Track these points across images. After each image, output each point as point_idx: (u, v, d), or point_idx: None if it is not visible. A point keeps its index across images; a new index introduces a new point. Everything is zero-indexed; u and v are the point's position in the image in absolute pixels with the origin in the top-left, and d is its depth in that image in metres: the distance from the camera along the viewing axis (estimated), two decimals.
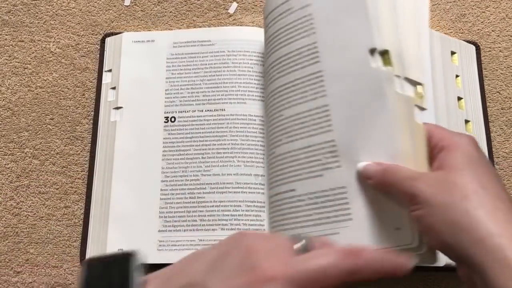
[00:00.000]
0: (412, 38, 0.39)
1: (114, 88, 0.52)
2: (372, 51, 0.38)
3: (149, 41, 0.52)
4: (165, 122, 0.50)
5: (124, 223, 0.47)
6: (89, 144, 0.52)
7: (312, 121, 0.41)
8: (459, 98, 0.49)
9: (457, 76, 0.50)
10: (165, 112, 0.50)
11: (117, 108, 0.51)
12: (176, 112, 0.50)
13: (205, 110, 0.49)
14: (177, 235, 0.47)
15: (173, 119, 0.50)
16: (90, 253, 0.48)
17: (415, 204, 0.32)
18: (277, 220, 0.43)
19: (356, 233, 0.38)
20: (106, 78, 0.53)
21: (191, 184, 0.48)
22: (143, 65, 0.52)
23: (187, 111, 0.50)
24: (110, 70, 0.53)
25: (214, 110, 0.49)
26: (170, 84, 0.51)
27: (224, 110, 0.49)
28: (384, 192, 0.36)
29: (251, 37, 0.51)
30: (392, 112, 0.37)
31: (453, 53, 0.51)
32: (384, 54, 0.38)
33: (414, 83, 0.38)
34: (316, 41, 0.41)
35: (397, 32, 0.39)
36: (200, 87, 0.50)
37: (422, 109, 0.37)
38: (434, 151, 0.35)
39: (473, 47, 0.52)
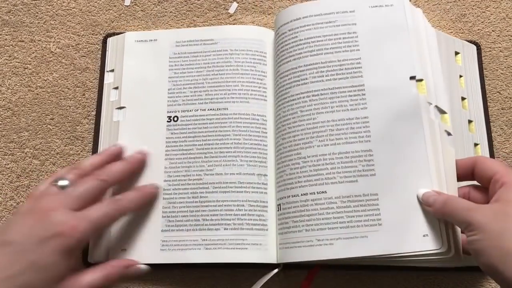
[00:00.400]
0: (439, 71, 0.45)
1: (116, 88, 0.51)
2: (412, 78, 0.44)
3: (151, 40, 0.52)
4: (168, 121, 0.49)
5: (127, 223, 0.47)
6: (90, 144, 0.52)
7: (351, 129, 0.44)
8: (463, 98, 0.50)
9: (460, 76, 0.50)
10: (168, 112, 0.50)
11: (120, 108, 0.50)
12: (179, 111, 0.50)
13: (208, 109, 0.49)
14: (180, 235, 0.46)
15: (176, 119, 0.49)
16: (93, 253, 0.47)
17: (470, 231, 0.36)
18: (300, 220, 0.44)
19: (385, 238, 0.41)
20: (108, 78, 0.52)
21: (194, 183, 0.47)
22: (146, 64, 0.51)
23: (190, 110, 0.49)
24: (112, 70, 0.52)
25: (217, 109, 0.49)
26: (173, 83, 0.50)
27: (227, 109, 0.49)
28: (442, 218, 0.40)
29: (254, 36, 0.51)
30: (426, 134, 0.42)
31: (456, 53, 0.51)
32: (420, 82, 0.44)
33: (442, 111, 0.44)
34: (360, 58, 0.45)
35: (430, 65, 0.45)
36: (202, 86, 0.50)
37: (449, 134, 0.44)
38: (496, 186, 0.38)
39: (474, 47, 0.53)
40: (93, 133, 0.52)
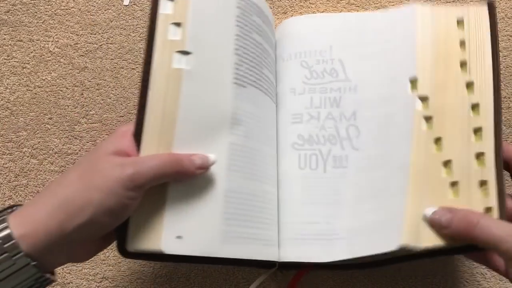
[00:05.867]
0: (429, 62, 0.43)
1: (178, 24, 0.38)
2: (412, 81, 0.42)
3: None
4: (235, 87, 0.41)
5: (184, 206, 0.37)
6: (88, 143, 0.52)
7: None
8: (462, 65, 0.43)
9: (463, 44, 0.43)
10: (235, 73, 0.41)
11: (184, 52, 0.38)
12: (247, 76, 0.42)
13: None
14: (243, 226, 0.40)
15: (244, 85, 0.42)
16: (134, 244, 0.36)
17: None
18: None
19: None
20: (166, 7, 0.38)
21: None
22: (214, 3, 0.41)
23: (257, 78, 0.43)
24: None
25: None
26: (240, 45, 0.42)
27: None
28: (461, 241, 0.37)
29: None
30: (412, 130, 0.41)
31: (459, 21, 0.44)
32: (414, 80, 0.42)
33: (424, 99, 0.42)
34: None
35: (422, 59, 0.43)
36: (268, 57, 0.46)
37: (428, 118, 0.41)
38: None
39: (485, 8, 0.43)
40: (140, 88, 0.37)
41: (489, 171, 0.40)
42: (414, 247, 0.37)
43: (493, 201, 0.39)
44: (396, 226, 0.38)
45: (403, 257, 0.41)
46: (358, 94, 0.46)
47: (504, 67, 0.53)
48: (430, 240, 0.38)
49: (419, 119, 0.41)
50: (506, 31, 0.54)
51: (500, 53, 0.53)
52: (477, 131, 0.41)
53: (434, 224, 0.37)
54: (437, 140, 0.41)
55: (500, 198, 0.38)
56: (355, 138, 0.45)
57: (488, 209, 0.38)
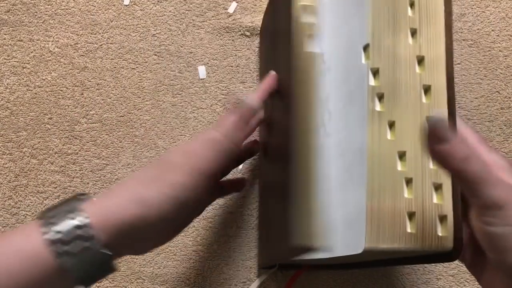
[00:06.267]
0: (379, 24, 0.37)
1: (309, 8, 0.36)
2: (365, 48, 0.37)
3: None
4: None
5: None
6: (88, 144, 0.52)
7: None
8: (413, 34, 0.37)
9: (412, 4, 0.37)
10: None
11: (315, 36, 0.36)
12: None
13: None
14: None
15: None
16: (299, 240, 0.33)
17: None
18: None
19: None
20: None
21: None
22: None
23: None
24: None
25: None
26: None
27: None
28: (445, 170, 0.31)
29: None
30: (367, 110, 0.36)
31: None
32: (367, 48, 0.36)
33: (375, 71, 0.36)
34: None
35: (372, 21, 0.37)
36: None
37: (380, 95, 0.36)
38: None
39: None
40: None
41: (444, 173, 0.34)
42: (376, 248, 0.33)
43: (448, 208, 0.33)
44: (361, 225, 0.33)
45: (388, 260, 0.38)
46: (331, 75, 0.41)
47: (504, 67, 0.53)
48: (390, 241, 0.33)
49: (373, 96, 0.36)
50: (506, 31, 0.54)
51: (500, 52, 0.53)
52: None
53: (437, 131, 0.29)
54: (392, 125, 0.35)
55: (455, 206, 0.33)
56: (327, 123, 0.40)
57: (443, 218, 0.33)
